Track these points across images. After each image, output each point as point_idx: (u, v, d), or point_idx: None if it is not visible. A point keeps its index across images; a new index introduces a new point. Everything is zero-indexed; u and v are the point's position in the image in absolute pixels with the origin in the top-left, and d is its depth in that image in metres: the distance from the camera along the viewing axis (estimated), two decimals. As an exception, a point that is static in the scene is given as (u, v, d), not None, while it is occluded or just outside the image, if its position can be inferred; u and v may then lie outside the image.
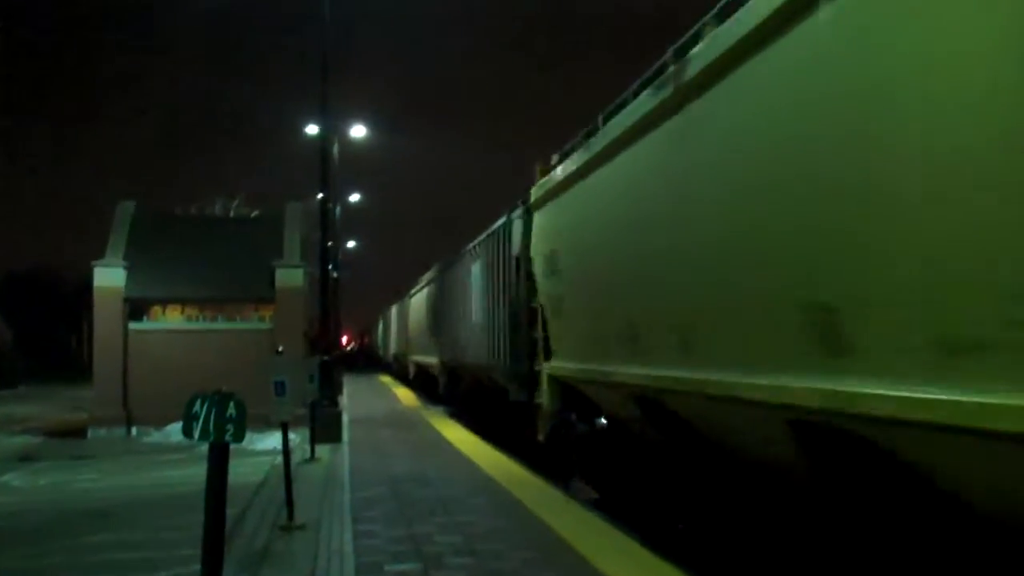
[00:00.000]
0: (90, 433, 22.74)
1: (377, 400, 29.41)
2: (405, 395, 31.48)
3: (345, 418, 18.49)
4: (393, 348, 49.01)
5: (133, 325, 23.81)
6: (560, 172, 10.56)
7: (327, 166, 18.98)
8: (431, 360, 27.38)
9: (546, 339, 11.28)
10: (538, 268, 11.59)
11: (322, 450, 14.40)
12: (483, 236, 17.21)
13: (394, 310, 47.58)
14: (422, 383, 32.03)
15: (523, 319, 12.93)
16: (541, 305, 11.51)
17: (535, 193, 11.94)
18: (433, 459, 13.42)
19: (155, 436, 21.19)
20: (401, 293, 43.00)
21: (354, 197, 45.43)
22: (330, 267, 21.36)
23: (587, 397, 10.07)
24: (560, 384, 10.89)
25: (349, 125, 28.79)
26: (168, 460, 17.35)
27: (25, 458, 18.74)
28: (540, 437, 11.82)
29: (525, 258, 12.55)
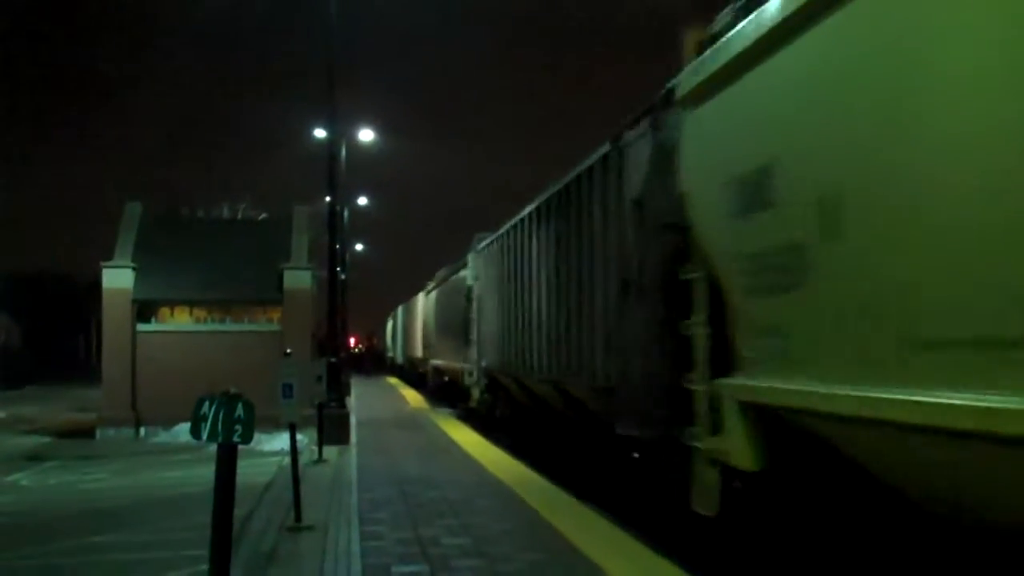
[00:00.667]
0: (99, 433, 22.82)
1: (385, 402, 29.42)
2: (413, 397, 31.49)
3: (353, 420, 18.50)
4: (406, 350, 44.33)
5: (141, 326, 23.88)
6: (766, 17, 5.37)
7: (335, 169, 19.02)
8: (460, 365, 21.85)
9: (719, 336, 6.27)
10: (708, 208, 6.33)
11: (330, 451, 14.41)
12: (563, 183, 11.64)
13: (407, 308, 44.33)
14: (446, 393, 27.38)
15: (651, 302, 7.75)
16: (711, 275, 6.34)
17: (691, 79, 6.63)
18: (441, 461, 13.42)
19: (163, 437, 21.25)
20: (416, 289, 39.66)
21: (362, 200, 45.58)
22: (338, 269, 21.40)
23: (837, 450, 4.97)
24: (766, 419, 5.63)
25: (357, 128, 28.92)
26: (176, 461, 17.38)
27: (34, 458, 18.81)
28: (705, 509, 6.51)
29: (663, 199, 7.39)
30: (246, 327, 24.91)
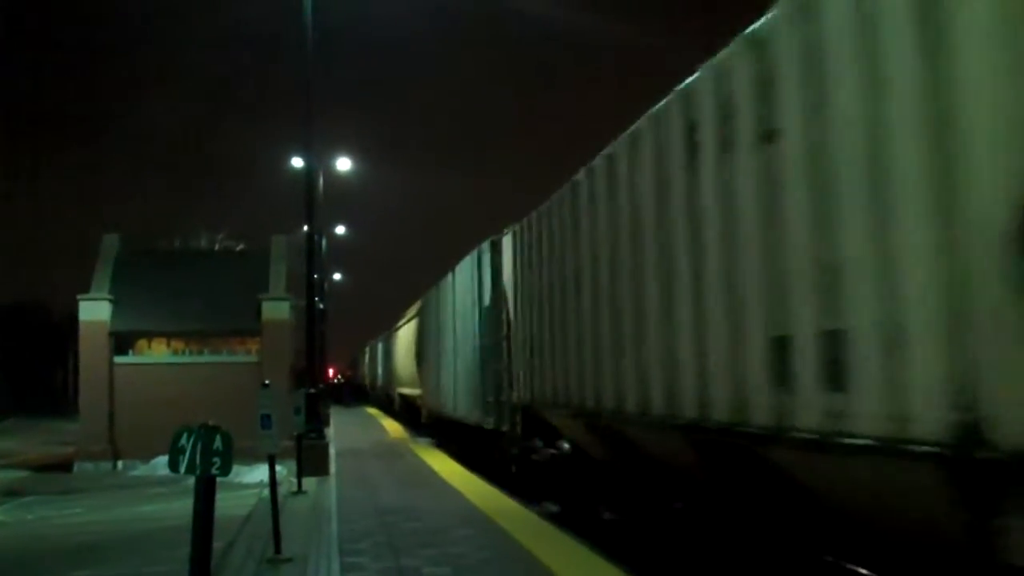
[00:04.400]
0: (76, 467, 22.66)
1: (363, 432, 29.31)
2: (391, 426, 31.40)
3: (332, 450, 18.46)
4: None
5: (118, 359, 23.78)
6: None
7: (312, 198, 19.06)
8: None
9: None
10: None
11: (309, 483, 14.36)
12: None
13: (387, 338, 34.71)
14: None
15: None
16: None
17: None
18: (421, 490, 13.42)
19: (141, 470, 21.14)
20: (396, 319, 30.42)
21: (340, 229, 45.53)
22: (316, 299, 21.40)
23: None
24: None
25: (335, 157, 28.97)
26: (154, 494, 17.28)
27: (11, 493, 18.64)
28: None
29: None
30: (224, 358, 24.86)
